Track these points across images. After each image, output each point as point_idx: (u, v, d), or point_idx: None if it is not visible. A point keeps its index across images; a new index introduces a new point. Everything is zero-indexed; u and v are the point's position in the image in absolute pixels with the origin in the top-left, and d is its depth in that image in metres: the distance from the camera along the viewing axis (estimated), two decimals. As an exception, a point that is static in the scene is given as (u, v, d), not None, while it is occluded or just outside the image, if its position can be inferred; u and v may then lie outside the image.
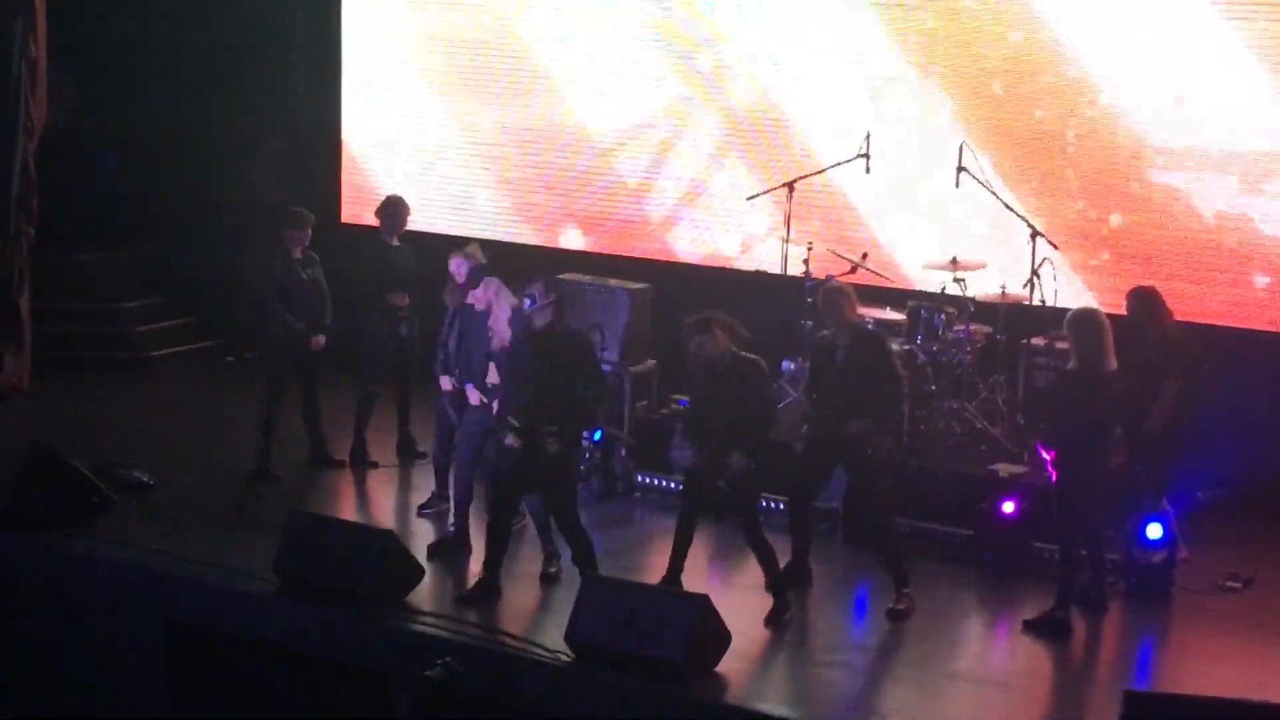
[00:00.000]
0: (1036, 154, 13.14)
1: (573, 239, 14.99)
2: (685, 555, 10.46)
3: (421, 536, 11.41)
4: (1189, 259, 12.71)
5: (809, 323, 12.57)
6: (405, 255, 12.73)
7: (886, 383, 10.49)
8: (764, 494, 10.80)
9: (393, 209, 12.78)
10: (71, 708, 10.94)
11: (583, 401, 10.33)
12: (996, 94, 13.23)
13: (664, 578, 10.44)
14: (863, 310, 11.13)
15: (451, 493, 11.41)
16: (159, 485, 12.20)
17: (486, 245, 12.45)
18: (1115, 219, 12.92)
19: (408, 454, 12.95)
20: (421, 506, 11.94)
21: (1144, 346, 10.85)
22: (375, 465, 12.80)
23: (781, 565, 10.47)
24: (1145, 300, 11.14)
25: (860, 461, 10.46)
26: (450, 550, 11.13)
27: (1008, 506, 11.13)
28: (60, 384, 14.46)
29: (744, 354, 10.21)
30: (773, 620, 10.18)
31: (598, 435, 12.22)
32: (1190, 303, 12.61)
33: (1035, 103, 13.10)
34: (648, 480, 12.36)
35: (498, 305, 10.87)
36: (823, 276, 12.75)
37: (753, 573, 10.44)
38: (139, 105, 15.99)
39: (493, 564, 10.41)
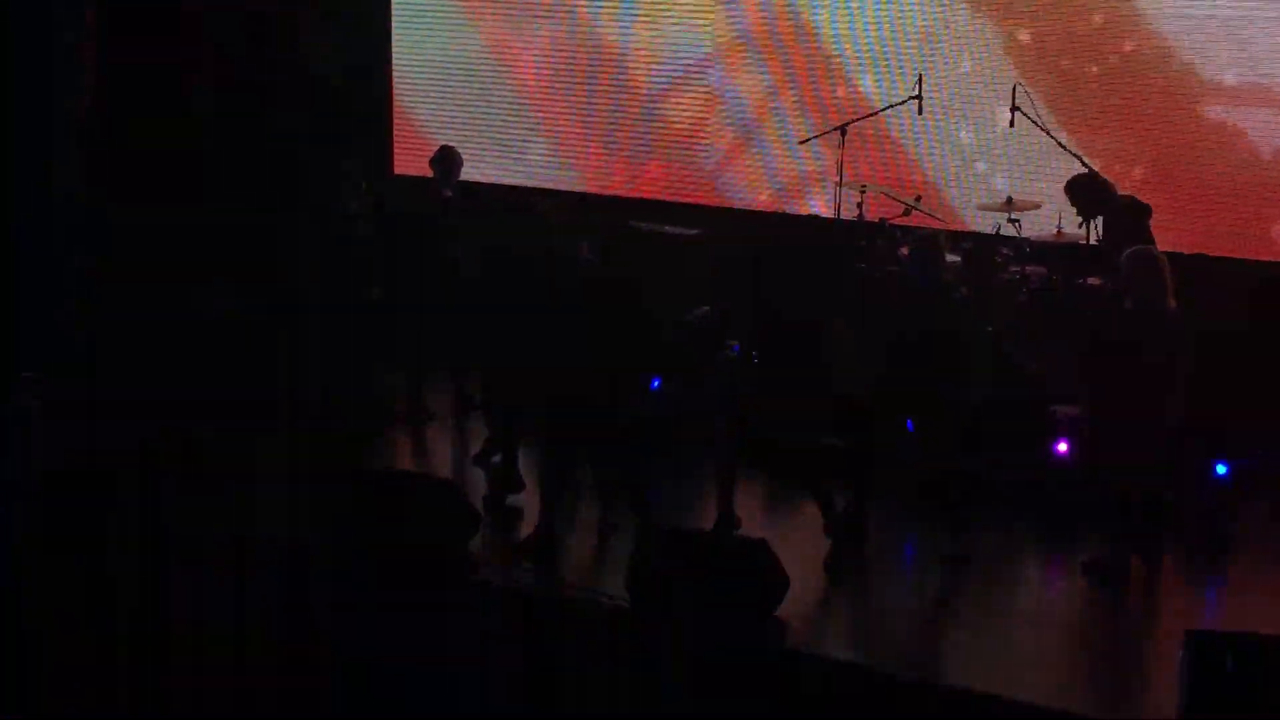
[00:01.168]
0: (1088, 92, 13.03)
1: (625, 186, 14.97)
2: (733, 498, 10.48)
3: (478, 486, 11.47)
4: (1247, 196, 12.61)
5: (863, 265, 12.55)
6: (459, 206, 12.76)
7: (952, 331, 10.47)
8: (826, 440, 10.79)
9: (446, 159, 12.81)
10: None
11: (634, 349, 10.37)
12: (1048, 32, 13.12)
13: (716, 523, 10.48)
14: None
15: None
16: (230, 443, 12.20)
17: (540, 194, 12.51)
18: (1168, 157, 12.83)
19: (464, 404, 13.02)
20: (477, 456, 12.00)
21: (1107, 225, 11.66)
22: (431, 417, 12.86)
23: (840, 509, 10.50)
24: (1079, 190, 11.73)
25: (928, 409, 10.42)
26: (508, 498, 11.20)
27: (1062, 447, 11.12)
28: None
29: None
30: (831, 564, 10.21)
31: (656, 383, 12.22)
32: (1249, 241, 12.56)
33: (1085, 41, 12.99)
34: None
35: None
36: (876, 220, 12.73)
37: (810, 517, 10.45)
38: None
39: (549, 513, 10.47)
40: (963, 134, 13.45)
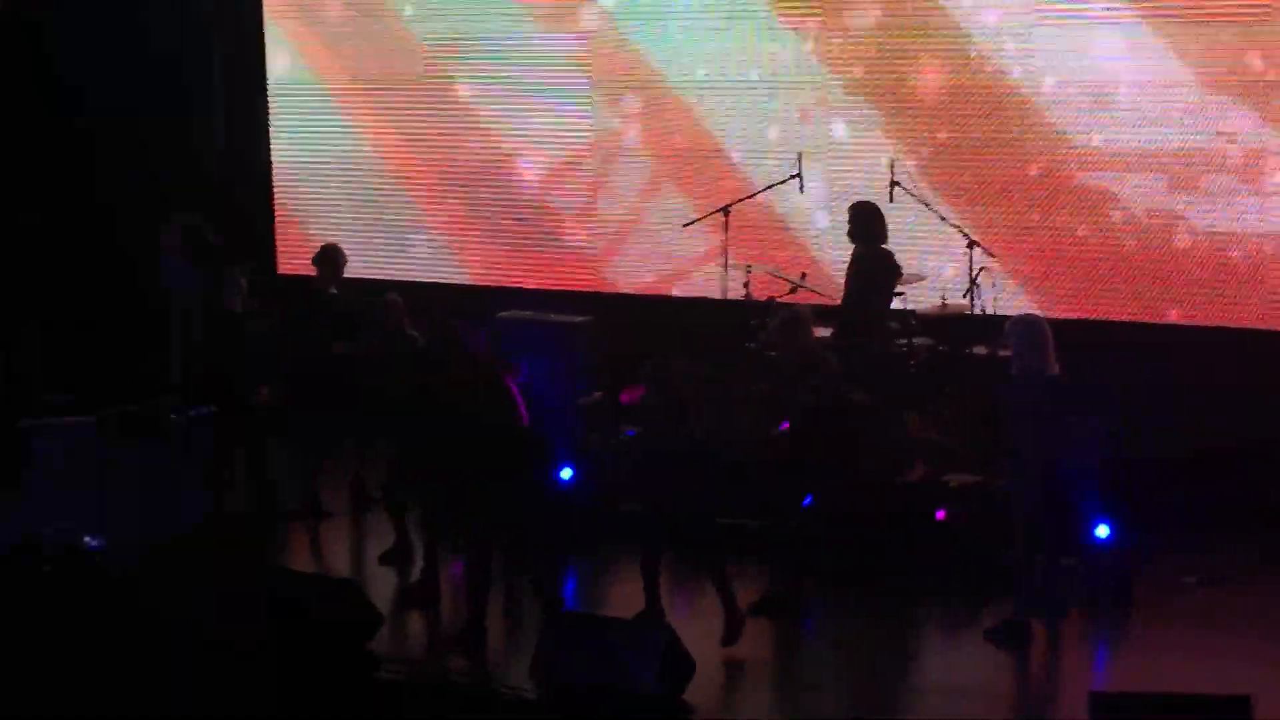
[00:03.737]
0: (965, 164, 13.27)
1: (511, 277, 14.99)
2: (658, 591, 10.43)
3: (380, 584, 11.37)
4: (1124, 260, 12.85)
5: (752, 345, 12.62)
6: (344, 302, 12.73)
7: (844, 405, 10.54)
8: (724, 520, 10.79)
9: (330, 257, 12.79)
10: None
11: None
12: (922, 107, 13.36)
13: (640, 614, 10.42)
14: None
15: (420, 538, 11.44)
16: (109, 548, 12.05)
17: (425, 288, 12.49)
18: (1048, 224, 13.06)
19: (361, 500, 12.92)
20: (383, 555, 11.88)
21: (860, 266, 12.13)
22: (329, 514, 12.76)
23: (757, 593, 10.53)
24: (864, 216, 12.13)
25: (828, 485, 10.47)
26: (421, 595, 11.14)
27: (944, 514, 11.25)
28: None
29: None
30: (728, 642, 10.16)
31: (568, 473, 12.17)
32: (1129, 303, 12.80)
33: (961, 113, 13.24)
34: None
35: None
36: (763, 299, 12.81)
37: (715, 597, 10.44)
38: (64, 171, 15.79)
39: (480, 606, 10.38)
40: (845, 210, 13.59)
